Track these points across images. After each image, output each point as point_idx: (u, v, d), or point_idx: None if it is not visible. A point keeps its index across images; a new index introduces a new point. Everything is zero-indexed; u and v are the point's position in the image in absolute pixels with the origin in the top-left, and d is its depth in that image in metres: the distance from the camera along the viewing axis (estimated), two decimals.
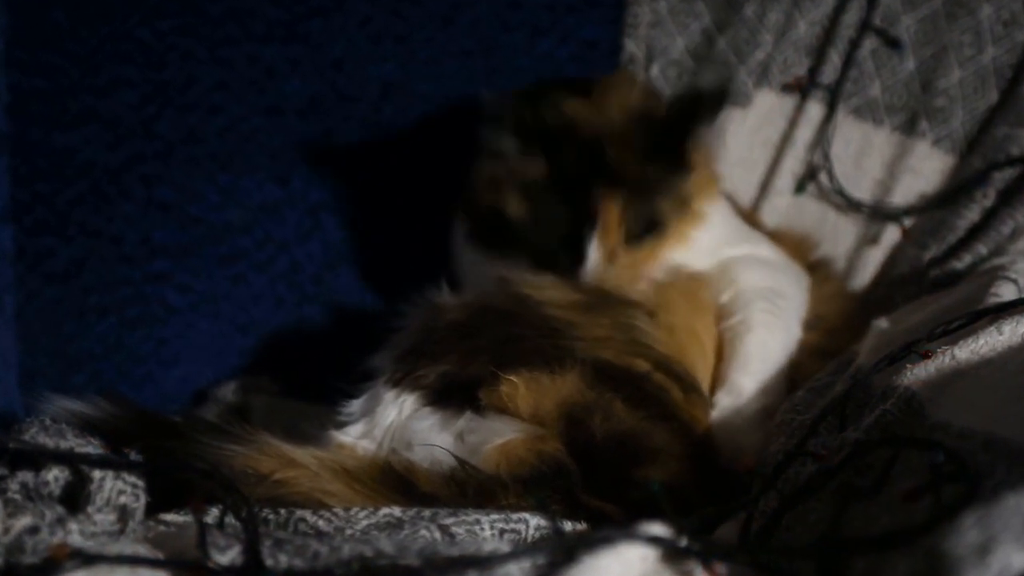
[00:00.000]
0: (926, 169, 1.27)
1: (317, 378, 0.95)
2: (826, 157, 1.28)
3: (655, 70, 1.31)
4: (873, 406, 0.77)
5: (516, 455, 0.84)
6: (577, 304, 0.95)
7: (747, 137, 1.30)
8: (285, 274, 1.27)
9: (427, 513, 0.75)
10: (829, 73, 1.29)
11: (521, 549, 0.58)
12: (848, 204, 1.28)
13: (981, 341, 0.79)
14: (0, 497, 0.66)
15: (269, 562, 0.59)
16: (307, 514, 0.76)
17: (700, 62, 1.31)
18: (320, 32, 1.25)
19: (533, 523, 0.76)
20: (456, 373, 0.89)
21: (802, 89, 1.30)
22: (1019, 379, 0.74)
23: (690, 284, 1.04)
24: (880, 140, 1.29)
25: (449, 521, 0.74)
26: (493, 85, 1.28)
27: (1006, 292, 0.92)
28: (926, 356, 0.79)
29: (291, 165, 1.26)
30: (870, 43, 1.28)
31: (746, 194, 1.30)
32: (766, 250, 1.13)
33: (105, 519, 0.69)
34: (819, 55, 1.30)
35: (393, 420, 0.89)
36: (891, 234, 1.27)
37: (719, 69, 1.29)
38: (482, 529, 0.74)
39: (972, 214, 1.20)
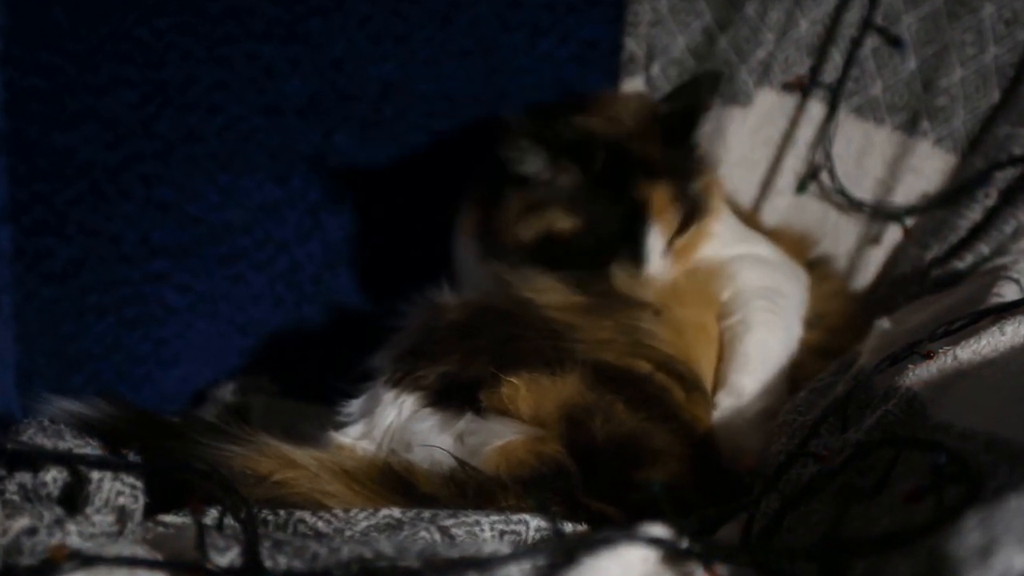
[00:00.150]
0: (928, 168, 1.27)
1: (316, 378, 0.95)
2: (827, 156, 1.28)
3: (656, 69, 1.30)
4: (875, 407, 0.77)
5: (516, 456, 0.84)
6: (578, 307, 0.95)
7: (748, 136, 1.30)
8: (284, 274, 1.26)
9: (427, 514, 0.75)
10: (830, 72, 1.28)
11: (521, 550, 0.58)
12: (850, 204, 1.28)
13: (983, 341, 0.79)
14: None
15: (268, 563, 0.59)
16: (306, 515, 0.76)
17: (701, 61, 1.31)
18: (320, 31, 1.25)
19: (533, 524, 0.76)
20: (456, 374, 0.89)
21: (803, 88, 1.30)
22: (1021, 379, 0.74)
23: (700, 277, 1.04)
24: (881, 139, 1.29)
25: (449, 522, 0.74)
26: (493, 85, 1.28)
27: (1008, 292, 0.92)
28: (928, 356, 0.79)
29: (291, 165, 1.26)
30: (872, 42, 1.28)
31: (747, 194, 1.30)
32: (764, 249, 1.13)
33: (104, 520, 0.68)
34: (820, 54, 1.30)
35: (393, 421, 0.89)
36: (893, 234, 1.27)
37: (720, 68, 1.29)
38: (482, 530, 0.74)
39: (974, 214, 1.20)
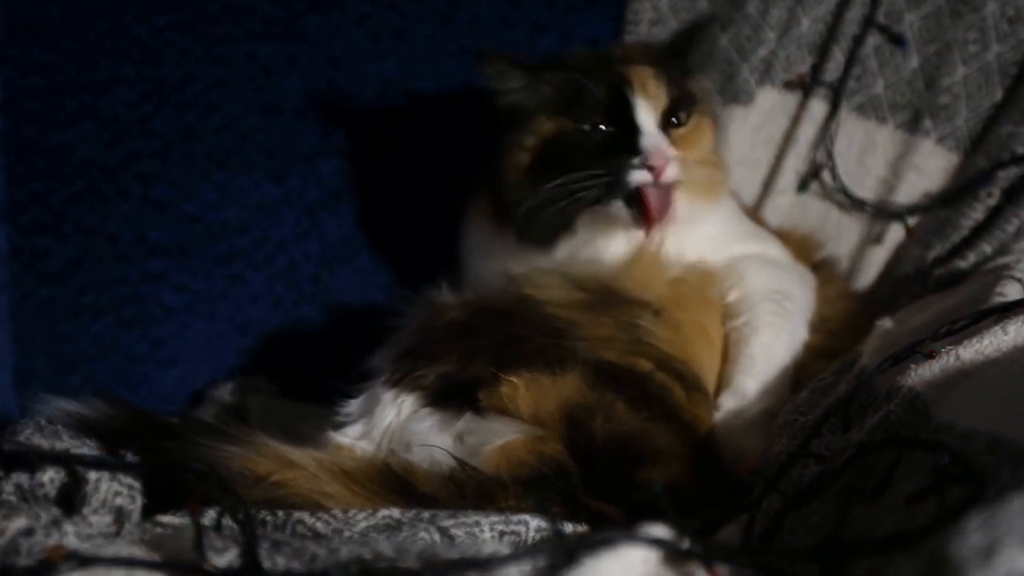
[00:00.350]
0: (930, 167, 1.27)
1: (315, 378, 0.95)
2: (829, 155, 1.27)
3: None
4: (877, 407, 0.77)
5: (516, 456, 0.84)
6: (579, 303, 0.95)
7: (749, 135, 1.30)
8: (283, 273, 1.26)
9: (426, 515, 0.75)
10: (832, 70, 1.28)
11: (521, 551, 0.58)
12: (851, 203, 1.28)
13: (986, 341, 0.79)
14: None
15: (267, 564, 0.59)
16: (305, 516, 0.76)
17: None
18: (318, 29, 1.25)
19: (533, 525, 0.76)
20: (456, 373, 0.89)
21: (805, 86, 1.30)
22: None
23: (700, 280, 1.03)
24: (883, 138, 1.29)
25: (448, 523, 0.74)
26: None
27: (1011, 291, 0.91)
28: (930, 356, 0.79)
29: (289, 164, 1.26)
30: (873, 40, 1.28)
31: (749, 193, 1.30)
32: (775, 250, 1.12)
33: (101, 521, 0.69)
34: (822, 52, 1.29)
35: (392, 421, 0.89)
36: (895, 233, 1.26)
37: (721, 68, 1.29)
38: (482, 531, 0.73)
39: (977, 213, 1.19)
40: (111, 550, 0.61)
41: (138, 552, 0.63)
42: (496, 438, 0.85)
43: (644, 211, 0.99)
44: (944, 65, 1.26)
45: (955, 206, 1.22)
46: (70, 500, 0.69)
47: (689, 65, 1.08)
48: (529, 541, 0.75)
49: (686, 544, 0.59)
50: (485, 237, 1.11)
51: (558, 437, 0.85)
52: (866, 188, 1.29)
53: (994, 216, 1.18)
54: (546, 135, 1.03)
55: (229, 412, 1.12)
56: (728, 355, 1.01)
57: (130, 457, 0.75)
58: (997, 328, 0.80)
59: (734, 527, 0.77)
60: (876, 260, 1.26)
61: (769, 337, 1.01)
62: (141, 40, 1.20)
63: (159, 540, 0.69)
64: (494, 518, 0.75)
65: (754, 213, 1.27)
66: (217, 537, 0.63)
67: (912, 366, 0.79)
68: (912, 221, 1.26)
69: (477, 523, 0.74)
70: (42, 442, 0.76)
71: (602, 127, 1.02)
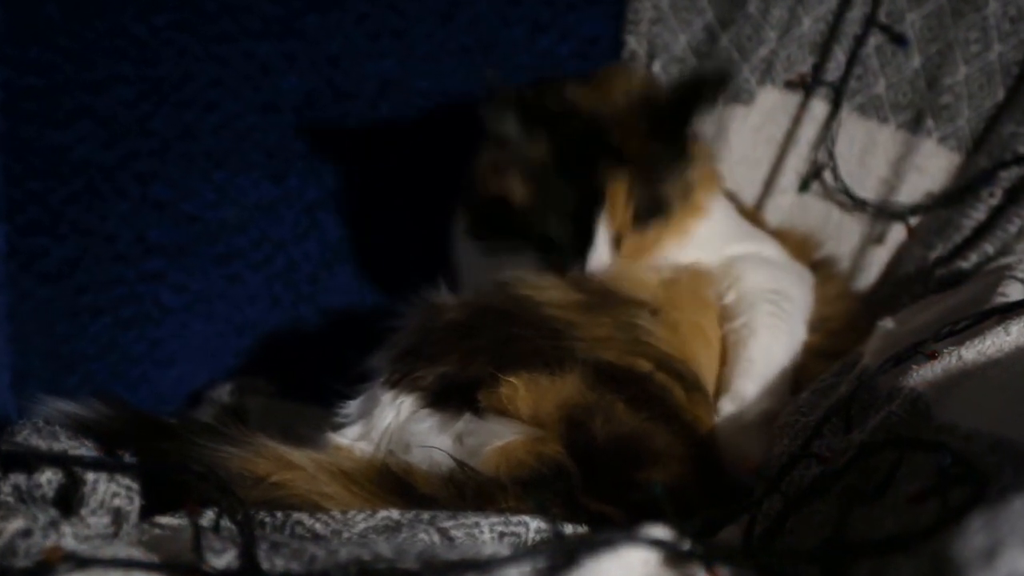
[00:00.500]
0: (932, 167, 1.27)
1: (314, 379, 0.95)
2: (830, 155, 1.27)
3: (657, 67, 1.30)
4: (878, 407, 0.77)
5: (516, 457, 0.84)
6: (578, 304, 0.95)
7: (750, 135, 1.30)
8: (281, 273, 1.26)
9: (426, 516, 0.75)
10: (833, 70, 1.28)
11: (521, 552, 0.57)
12: (853, 203, 1.28)
13: (988, 342, 0.78)
14: None
15: (265, 566, 0.59)
16: (304, 517, 0.76)
17: (703, 59, 1.30)
18: (317, 28, 1.25)
19: (533, 526, 0.75)
20: (455, 374, 0.88)
21: (806, 86, 1.30)
22: None
23: (694, 281, 1.03)
24: (885, 138, 1.29)
25: (448, 524, 0.73)
26: None
27: (1013, 292, 0.91)
28: (932, 357, 0.79)
29: (287, 163, 1.26)
30: (875, 39, 1.28)
31: (750, 192, 1.29)
32: (771, 249, 1.12)
33: (99, 522, 0.68)
34: (823, 52, 1.29)
35: (391, 422, 0.88)
36: (896, 233, 1.26)
37: (728, 66, 1.29)
38: (481, 532, 0.73)
39: (978, 213, 1.19)
40: (109, 551, 0.61)
41: (136, 553, 0.63)
42: (495, 439, 0.85)
43: None
44: (946, 65, 1.26)
45: (957, 206, 1.22)
46: (68, 501, 0.69)
47: (686, 135, 1.06)
48: (529, 542, 0.74)
49: (687, 545, 0.59)
50: (463, 244, 1.12)
51: (558, 438, 0.84)
52: (867, 188, 1.29)
53: (996, 216, 1.18)
54: (510, 195, 1.04)
55: (227, 413, 1.12)
56: (726, 358, 1.01)
57: (128, 458, 0.75)
58: (999, 328, 0.79)
59: (735, 528, 0.77)
60: (877, 260, 1.26)
61: (767, 339, 1.00)
62: (139, 39, 1.20)
63: (157, 541, 0.69)
64: (494, 519, 0.75)
65: (755, 213, 1.27)
66: (215, 538, 0.63)
67: (914, 367, 0.79)
68: (914, 221, 1.26)
69: (477, 524, 0.74)
70: (40, 443, 0.76)
71: (561, 229, 1.02)
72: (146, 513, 0.73)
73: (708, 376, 0.99)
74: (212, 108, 1.23)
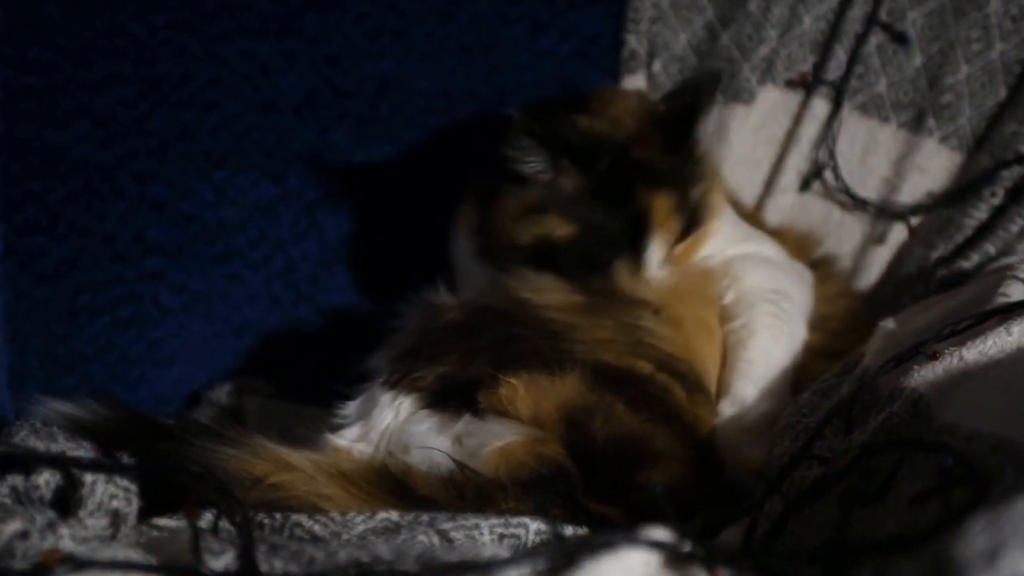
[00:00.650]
0: (933, 167, 1.26)
1: (313, 380, 0.95)
2: (831, 155, 1.27)
3: (657, 66, 1.30)
4: (880, 408, 0.77)
5: (516, 458, 0.84)
6: (578, 306, 0.95)
7: (751, 134, 1.29)
8: (280, 273, 1.26)
9: (425, 517, 0.75)
10: (834, 69, 1.28)
11: (521, 554, 0.57)
12: (854, 202, 1.28)
13: (990, 342, 0.78)
14: None
15: (264, 568, 0.59)
16: (303, 518, 0.76)
17: (703, 58, 1.30)
18: (316, 27, 1.24)
19: (533, 527, 0.75)
20: (455, 375, 0.88)
21: (807, 85, 1.29)
22: None
23: (699, 278, 1.03)
24: (886, 137, 1.28)
25: (447, 526, 0.73)
26: (493, 82, 1.27)
27: (1015, 292, 0.91)
28: (934, 357, 0.79)
29: (286, 163, 1.25)
30: (876, 38, 1.27)
31: (750, 192, 1.29)
32: (769, 249, 1.12)
33: (97, 524, 0.68)
34: (824, 50, 1.29)
35: (390, 423, 0.88)
36: (898, 233, 1.26)
37: (722, 65, 1.28)
38: (481, 534, 0.73)
39: (980, 213, 1.19)
40: (107, 553, 0.61)
41: (134, 555, 0.62)
42: (495, 440, 0.85)
43: None
44: (947, 64, 1.26)
45: (958, 206, 1.21)
46: (66, 503, 0.69)
47: (695, 134, 1.05)
48: (529, 544, 0.74)
49: (687, 547, 0.59)
50: (467, 254, 1.11)
51: (558, 439, 0.84)
52: (868, 188, 1.28)
53: (998, 216, 1.18)
54: (554, 235, 1.02)
55: (226, 414, 1.11)
56: (726, 359, 1.00)
57: (126, 459, 0.75)
58: (1001, 329, 0.79)
59: (736, 529, 0.77)
60: (879, 260, 1.26)
61: (767, 340, 1.00)
62: (138, 39, 1.20)
63: (155, 543, 0.68)
64: (493, 521, 0.75)
65: (755, 213, 1.26)
66: (214, 540, 0.63)
67: (915, 367, 0.79)
68: (915, 221, 1.26)
69: (476, 526, 0.74)
70: (37, 444, 0.76)
71: (610, 248, 1.01)
72: (144, 515, 0.73)
73: (712, 373, 0.99)
74: (211, 108, 1.22)
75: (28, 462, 0.70)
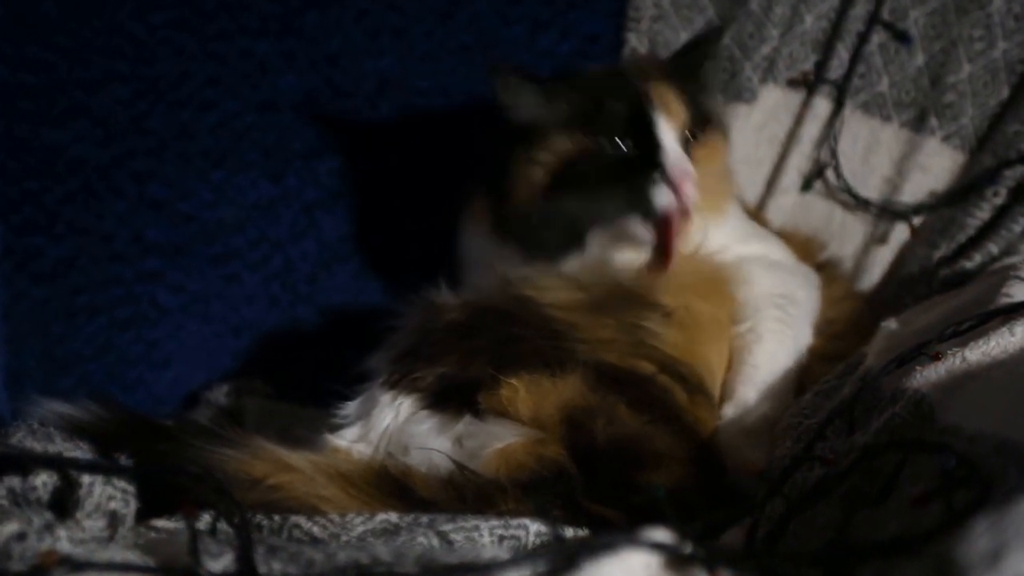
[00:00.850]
0: (935, 166, 1.26)
1: (312, 380, 0.94)
2: (833, 154, 1.27)
3: None
4: (882, 409, 0.76)
5: (516, 459, 0.83)
6: (581, 305, 0.94)
7: (752, 134, 1.29)
8: (279, 273, 1.26)
9: (425, 519, 0.75)
10: (836, 68, 1.28)
11: (521, 556, 0.57)
12: (856, 202, 1.27)
13: (992, 342, 0.78)
14: None
15: (263, 569, 0.58)
16: (302, 520, 0.75)
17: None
18: (315, 26, 1.24)
19: (533, 529, 0.75)
20: (455, 375, 0.88)
21: (808, 84, 1.29)
22: None
23: (714, 274, 1.01)
24: (888, 136, 1.28)
25: (447, 527, 0.73)
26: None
27: (1018, 292, 0.91)
28: (936, 358, 0.78)
29: (286, 162, 1.25)
30: (878, 37, 1.27)
31: (752, 192, 1.29)
32: (778, 251, 1.11)
33: (94, 525, 0.68)
34: (826, 49, 1.29)
35: (390, 423, 0.88)
36: (900, 233, 1.26)
37: (723, 66, 1.28)
38: (481, 535, 0.73)
39: (983, 212, 1.19)
40: (105, 555, 0.60)
41: (132, 557, 0.62)
42: (496, 441, 0.84)
43: (663, 236, 0.98)
44: (950, 63, 1.26)
45: (961, 206, 1.21)
46: (63, 504, 0.69)
47: (701, 80, 1.07)
48: (529, 545, 0.74)
49: (688, 548, 0.58)
50: (483, 245, 1.10)
51: (558, 440, 0.84)
52: (870, 187, 1.28)
53: (1000, 216, 1.18)
54: (563, 153, 1.01)
55: (224, 414, 1.11)
56: (731, 363, 1.00)
57: (124, 460, 0.75)
58: (1004, 329, 0.79)
59: (737, 531, 0.77)
60: (881, 260, 1.26)
61: (773, 345, 0.99)
62: (136, 37, 1.20)
63: (153, 544, 0.68)
64: (493, 522, 0.74)
65: (757, 212, 1.26)
66: (212, 541, 0.62)
67: (917, 368, 0.78)
68: (917, 221, 1.26)
69: (476, 527, 0.73)
70: (35, 445, 0.76)
71: (623, 144, 1.00)
72: (142, 516, 0.73)
73: (717, 375, 0.98)
74: (209, 107, 1.22)
75: (25, 463, 0.69)
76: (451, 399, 0.87)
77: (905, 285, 1.20)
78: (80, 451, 0.77)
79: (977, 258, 1.15)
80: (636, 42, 1.29)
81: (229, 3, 1.22)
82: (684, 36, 1.30)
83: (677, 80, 1.03)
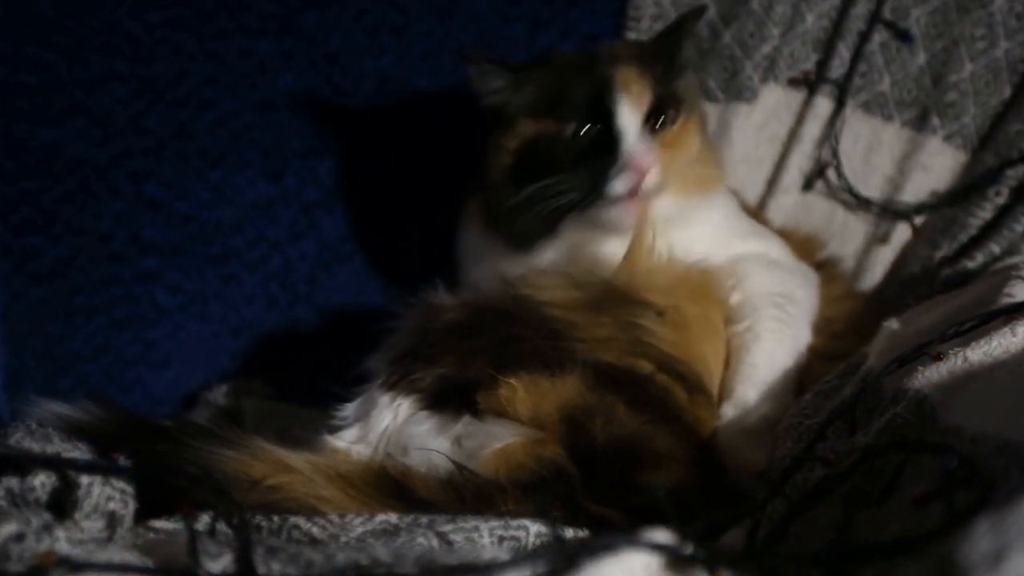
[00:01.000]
0: (937, 166, 1.26)
1: (311, 381, 0.94)
2: (834, 153, 1.27)
3: None
4: (883, 409, 0.76)
5: (515, 460, 0.83)
6: (579, 304, 0.94)
7: (753, 133, 1.29)
8: (278, 274, 1.26)
9: (424, 520, 0.75)
10: (837, 67, 1.27)
11: (521, 556, 0.57)
12: (857, 202, 1.27)
13: (994, 342, 0.78)
14: None
15: (262, 570, 0.58)
16: (301, 521, 0.75)
17: (704, 56, 1.29)
18: (315, 25, 1.24)
19: (533, 530, 0.75)
20: (454, 376, 0.88)
21: (809, 84, 1.29)
22: None
23: (703, 278, 1.01)
24: (890, 136, 1.28)
25: (447, 528, 0.73)
26: None
27: (1020, 292, 0.91)
28: (938, 358, 0.78)
29: (284, 162, 1.25)
30: (879, 36, 1.27)
31: (753, 192, 1.29)
32: (776, 249, 1.11)
33: (93, 526, 0.68)
34: (827, 49, 1.29)
35: (389, 424, 0.88)
36: (901, 232, 1.26)
37: (724, 65, 1.28)
38: (480, 536, 0.73)
39: (985, 212, 1.19)
40: (103, 555, 0.60)
41: (131, 558, 0.62)
42: (495, 441, 0.84)
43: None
44: (951, 62, 1.25)
45: (963, 205, 1.21)
46: (62, 505, 0.68)
47: (678, 62, 1.06)
48: (529, 546, 0.74)
49: (689, 549, 0.58)
50: (479, 241, 1.11)
51: (558, 440, 0.84)
52: (872, 187, 1.28)
53: (1002, 215, 1.18)
54: (528, 137, 1.03)
55: (223, 415, 1.11)
56: (729, 362, 0.99)
57: (122, 461, 0.74)
58: (1006, 329, 0.79)
59: (738, 531, 0.77)
60: (882, 260, 1.26)
61: (772, 344, 0.99)
62: (134, 37, 1.19)
63: (152, 545, 0.68)
64: (493, 523, 0.74)
65: (758, 212, 1.26)
66: (211, 542, 0.62)
67: (919, 368, 0.78)
68: (919, 220, 1.26)
69: (476, 528, 0.73)
70: (33, 445, 0.75)
71: (584, 129, 1.00)
72: (141, 517, 0.73)
73: (715, 374, 0.98)
74: (208, 106, 1.22)
75: (24, 464, 0.69)
76: (450, 399, 0.87)
77: (907, 285, 1.20)
78: (79, 452, 0.76)
79: (979, 258, 1.15)
80: None
81: (228, 2, 1.22)
82: None
83: (648, 63, 1.03)
